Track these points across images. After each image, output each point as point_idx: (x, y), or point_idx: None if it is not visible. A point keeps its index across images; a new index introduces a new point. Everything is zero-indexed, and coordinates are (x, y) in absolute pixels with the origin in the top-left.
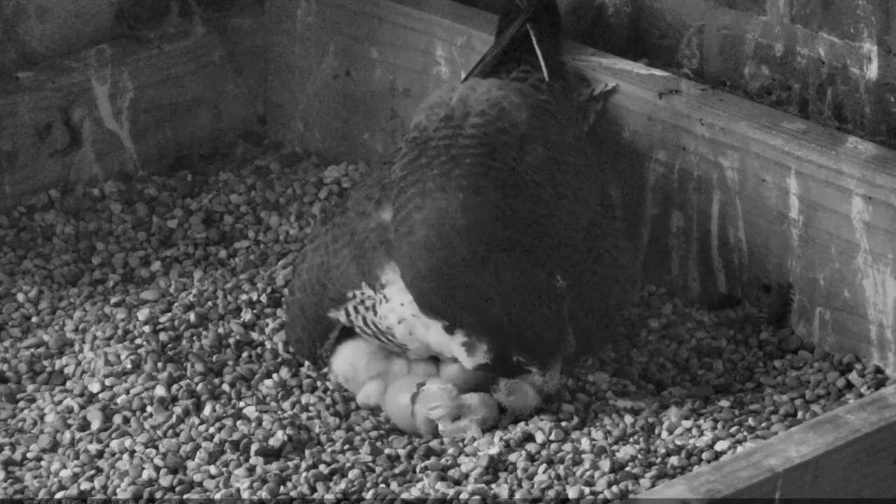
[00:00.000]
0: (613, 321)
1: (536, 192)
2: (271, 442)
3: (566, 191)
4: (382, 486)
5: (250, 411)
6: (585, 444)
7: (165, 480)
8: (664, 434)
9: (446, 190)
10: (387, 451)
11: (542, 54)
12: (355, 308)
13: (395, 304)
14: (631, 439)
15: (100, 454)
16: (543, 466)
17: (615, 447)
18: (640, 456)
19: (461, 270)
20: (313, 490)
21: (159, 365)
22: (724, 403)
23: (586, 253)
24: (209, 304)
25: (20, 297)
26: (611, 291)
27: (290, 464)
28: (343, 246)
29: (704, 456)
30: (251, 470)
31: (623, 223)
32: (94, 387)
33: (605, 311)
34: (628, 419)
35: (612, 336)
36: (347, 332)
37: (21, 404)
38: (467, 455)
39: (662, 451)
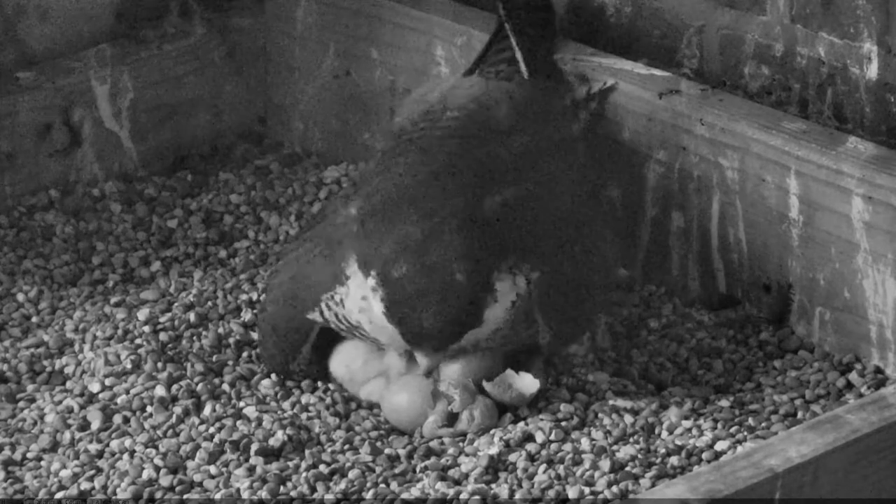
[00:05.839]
0: (591, 309)
1: (507, 179)
2: (271, 442)
3: (544, 181)
4: (382, 486)
5: (250, 411)
6: (585, 444)
7: (165, 480)
8: (664, 434)
9: (410, 173)
10: (387, 451)
11: (523, 51)
12: (327, 305)
13: (355, 294)
14: (631, 439)
15: (100, 454)
16: (543, 466)
17: (615, 447)
18: (640, 456)
19: (391, 226)
20: (313, 490)
21: (159, 365)
22: (724, 403)
23: (561, 242)
24: (209, 304)
25: (20, 297)
26: (589, 280)
27: (290, 464)
28: (317, 255)
29: (704, 456)
30: (251, 470)
31: (609, 212)
32: (94, 387)
33: (580, 299)
34: (628, 419)
35: (590, 324)
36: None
37: (21, 404)
38: (467, 455)
39: (662, 451)
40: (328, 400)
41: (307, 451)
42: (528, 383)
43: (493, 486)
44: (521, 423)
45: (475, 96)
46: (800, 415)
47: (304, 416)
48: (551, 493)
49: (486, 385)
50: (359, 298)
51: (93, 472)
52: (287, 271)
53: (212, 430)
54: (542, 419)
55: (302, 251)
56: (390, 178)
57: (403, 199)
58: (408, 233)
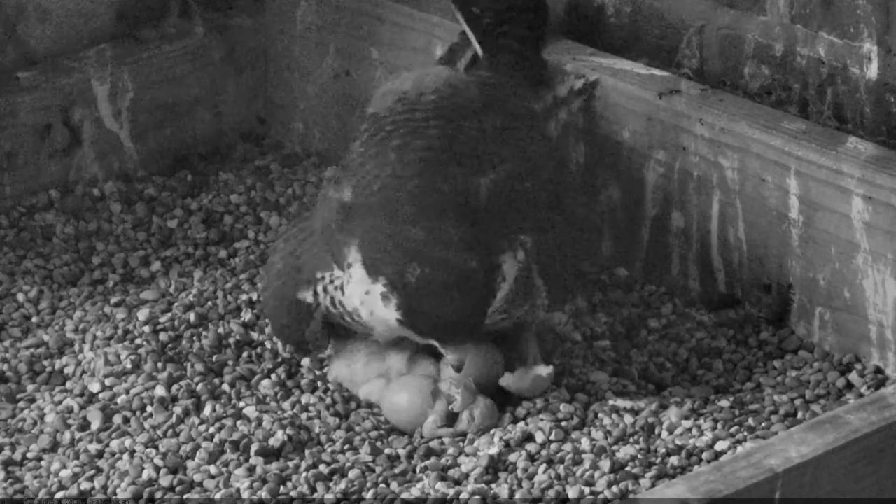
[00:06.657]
0: (580, 271)
1: (495, 157)
2: (271, 442)
3: (523, 153)
4: (382, 486)
5: (250, 411)
6: (585, 444)
7: (165, 480)
8: (664, 434)
9: (405, 160)
10: (387, 451)
11: (476, 34)
12: (324, 288)
13: (357, 283)
14: (631, 439)
15: (100, 454)
16: (543, 466)
17: (615, 447)
18: (640, 456)
19: (394, 229)
20: (313, 490)
21: (159, 365)
22: (724, 403)
23: (546, 210)
24: (209, 304)
25: (20, 297)
26: (573, 242)
27: (290, 464)
28: (311, 234)
29: (704, 456)
30: (251, 470)
31: (579, 179)
32: (94, 387)
33: (568, 261)
34: (628, 419)
35: (579, 283)
36: (345, 334)
37: (21, 404)
38: (467, 455)
39: (662, 451)
40: (328, 400)
41: (307, 451)
42: (541, 368)
43: (493, 486)
44: (521, 423)
45: (447, 80)
46: (800, 415)
47: (304, 416)
48: (551, 493)
49: (506, 377)
50: (362, 292)
51: (93, 472)
52: (287, 247)
53: (212, 430)
54: (542, 419)
55: (296, 231)
56: (379, 165)
57: (396, 193)
58: (410, 234)
